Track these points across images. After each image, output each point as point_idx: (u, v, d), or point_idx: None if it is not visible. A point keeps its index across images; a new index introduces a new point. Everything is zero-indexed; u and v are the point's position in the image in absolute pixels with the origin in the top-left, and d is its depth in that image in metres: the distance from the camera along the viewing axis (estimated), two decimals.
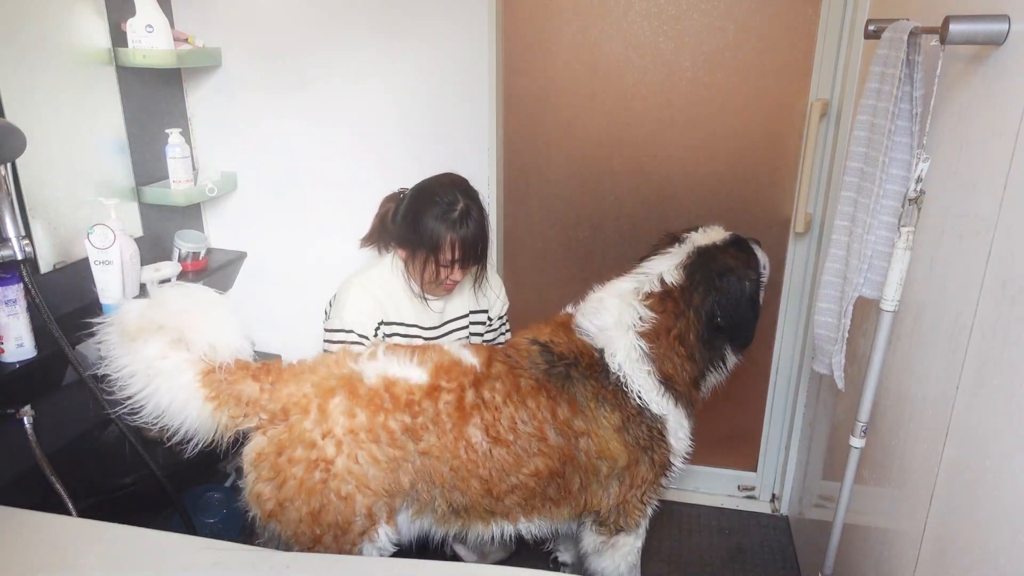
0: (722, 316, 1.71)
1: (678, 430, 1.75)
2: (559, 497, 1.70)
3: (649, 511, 1.83)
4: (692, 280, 1.73)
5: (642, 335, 1.70)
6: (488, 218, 1.90)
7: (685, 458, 1.81)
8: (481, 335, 2.11)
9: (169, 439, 1.55)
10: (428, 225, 1.81)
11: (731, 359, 1.82)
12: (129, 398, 1.50)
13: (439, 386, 1.61)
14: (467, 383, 1.63)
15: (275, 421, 1.54)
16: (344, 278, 1.98)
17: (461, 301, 2.04)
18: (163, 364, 1.50)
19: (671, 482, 1.85)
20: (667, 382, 1.71)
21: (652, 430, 1.71)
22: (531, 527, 1.75)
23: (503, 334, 2.16)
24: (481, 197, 1.90)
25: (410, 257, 1.89)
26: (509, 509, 1.67)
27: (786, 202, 2.33)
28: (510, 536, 1.75)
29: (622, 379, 1.68)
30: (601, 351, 1.71)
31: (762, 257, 1.85)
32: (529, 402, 1.64)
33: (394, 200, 1.97)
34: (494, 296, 2.10)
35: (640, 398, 1.68)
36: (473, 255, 1.86)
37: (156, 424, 1.52)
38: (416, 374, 1.62)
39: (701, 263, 1.74)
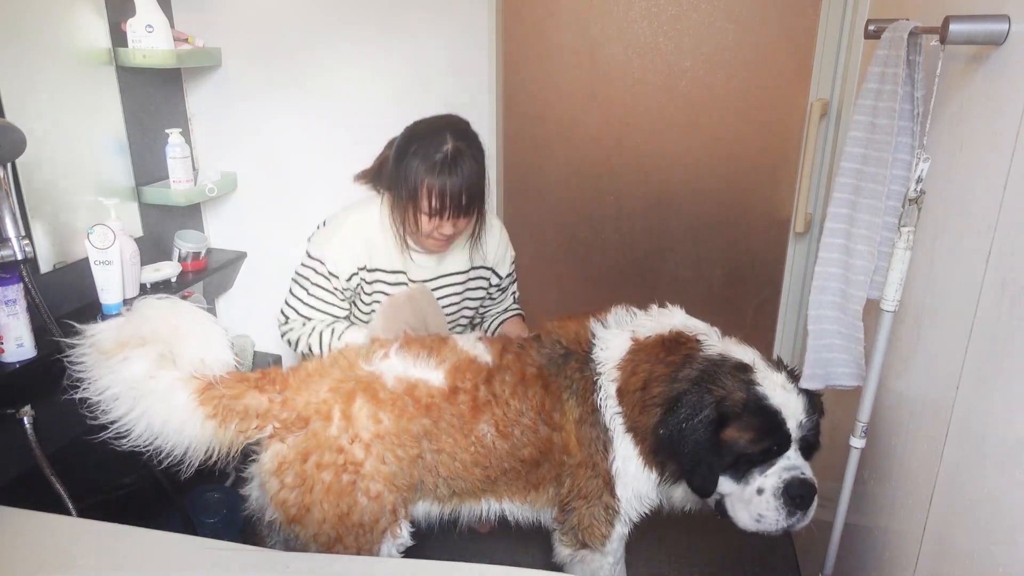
0: (668, 439, 1.52)
1: (627, 460, 1.62)
2: (537, 482, 1.71)
3: (615, 532, 1.71)
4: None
5: (620, 367, 1.63)
6: (486, 166, 1.75)
7: (631, 500, 1.66)
8: (487, 289, 2.02)
9: (159, 459, 1.47)
10: (409, 167, 1.69)
11: (685, 496, 1.64)
12: (114, 422, 1.43)
13: (457, 388, 1.63)
14: (480, 380, 1.65)
15: (292, 429, 1.53)
16: (342, 209, 1.89)
17: (463, 255, 1.93)
18: (152, 385, 1.44)
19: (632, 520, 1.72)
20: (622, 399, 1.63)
21: (600, 438, 1.64)
22: (513, 508, 1.75)
23: (513, 300, 2.11)
24: (482, 140, 1.76)
25: (394, 202, 1.77)
26: (498, 489, 1.70)
27: (786, 202, 2.33)
28: (495, 514, 1.75)
29: (597, 383, 1.64)
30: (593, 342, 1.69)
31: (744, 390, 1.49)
32: (529, 391, 1.64)
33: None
34: (498, 251, 1.97)
35: (601, 402, 1.63)
36: (456, 205, 1.69)
37: (147, 447, 1.45)
38: (435, 376, 1.63)
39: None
